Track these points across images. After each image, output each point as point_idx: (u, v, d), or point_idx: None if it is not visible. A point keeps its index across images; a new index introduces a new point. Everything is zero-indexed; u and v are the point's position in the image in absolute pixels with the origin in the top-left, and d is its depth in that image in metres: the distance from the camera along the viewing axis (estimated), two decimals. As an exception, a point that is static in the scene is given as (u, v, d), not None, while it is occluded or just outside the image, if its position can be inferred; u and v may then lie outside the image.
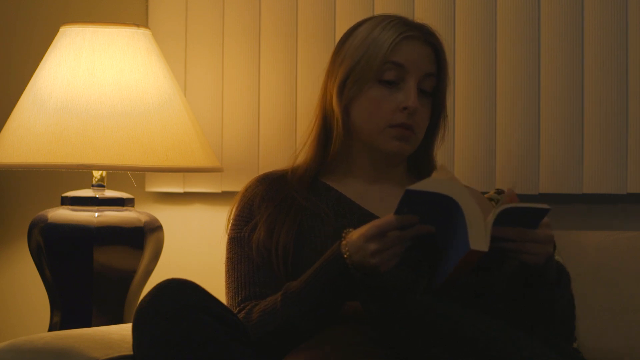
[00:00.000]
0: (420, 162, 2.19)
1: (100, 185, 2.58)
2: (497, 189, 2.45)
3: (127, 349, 1.94)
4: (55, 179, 2.84)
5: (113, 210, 2.53)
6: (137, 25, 2.56)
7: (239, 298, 2.03)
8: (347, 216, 2.08)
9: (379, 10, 2.57)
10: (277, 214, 2.07)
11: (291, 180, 2.13)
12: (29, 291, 2.88)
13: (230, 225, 2.13)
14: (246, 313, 1.97)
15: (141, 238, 2.52)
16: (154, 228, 2.57)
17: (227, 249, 2.11)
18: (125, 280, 2.53)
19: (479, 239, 1.73)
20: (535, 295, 1.88)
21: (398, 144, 2.09)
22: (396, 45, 2.07)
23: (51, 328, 2.55)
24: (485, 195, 2.34)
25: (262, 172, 2.22)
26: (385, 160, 2.13)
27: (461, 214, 1.74)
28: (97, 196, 2.54)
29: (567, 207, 2.52)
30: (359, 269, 1.83)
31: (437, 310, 1.82)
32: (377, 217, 2.05)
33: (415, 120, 2.08)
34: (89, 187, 2.60)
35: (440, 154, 2.25)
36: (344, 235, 1.87)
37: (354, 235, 1.84)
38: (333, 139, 2.12)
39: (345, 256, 1.84)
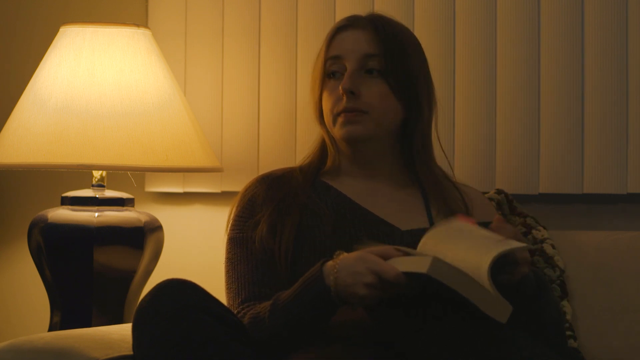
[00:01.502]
0: (410, 149, 2.14)
1: (100, 185, 2.58)
2: (497, 189, 2.45)
3: (127, 349, 1.94)
4: (55, 179, 2.84)
5: (113, 210, 2.53)
6: (137, 25, 2.56)
7: (239, 299, 2.03)
8: (347, 215, 2.08)
9: (378, 10, 2.57)
10: (277, 214, 2.07)
11: (296, 177, 2.14)
12: (29, 291, 2.88)
13: (230, 225, 2.13)
14: (240, 317, 1.97)
15: (141, 238, 2.52)
16: (154, 228, 2.57)
17: (227, 250, 2.11)
18: (125, 280, 2.53)
19: (499, 313, 1.72)
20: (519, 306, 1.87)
21: (347, 129, 2.08)
22: (331, 41, 2.13)
23: (51, 328, 2.55)
24: (486, 195, 2.34)
25: (262, 172, 2.22)
26: (354, 152, 2.12)
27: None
28: (97, 196, 2.53)
29: (567, 207, 2.52)
30: (340, 295, 1.82)
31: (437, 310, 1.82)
32: (376, 216, 2.07)
33: (360, 101, 2.07)
34: (89, 187, 2.60)
35: (440, 154, 2.23)
36: (335, 255, 1.86)
37: (351, 256, 1.83)
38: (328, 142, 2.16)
39: (330, 278, 1.83)
